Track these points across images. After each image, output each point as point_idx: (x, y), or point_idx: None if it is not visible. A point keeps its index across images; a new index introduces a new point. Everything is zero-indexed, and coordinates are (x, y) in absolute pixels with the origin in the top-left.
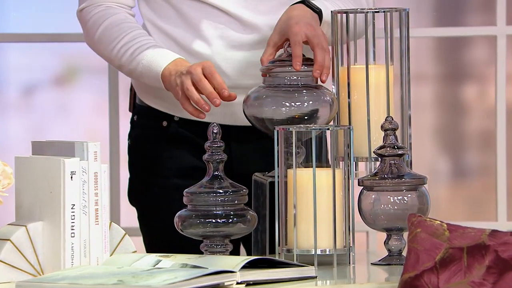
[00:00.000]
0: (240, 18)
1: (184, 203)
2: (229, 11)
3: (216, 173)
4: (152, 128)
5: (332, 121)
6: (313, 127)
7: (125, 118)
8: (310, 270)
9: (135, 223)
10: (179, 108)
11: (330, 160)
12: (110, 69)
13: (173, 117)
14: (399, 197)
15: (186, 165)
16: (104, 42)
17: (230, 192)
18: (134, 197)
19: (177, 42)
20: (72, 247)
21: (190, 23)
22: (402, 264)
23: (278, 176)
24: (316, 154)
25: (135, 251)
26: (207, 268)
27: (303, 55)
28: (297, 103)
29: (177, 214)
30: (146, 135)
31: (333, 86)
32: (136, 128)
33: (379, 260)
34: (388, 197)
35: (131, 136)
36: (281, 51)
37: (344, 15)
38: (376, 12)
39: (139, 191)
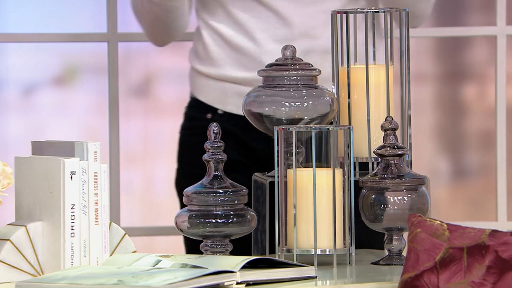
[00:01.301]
0: (285, 16)
1: (184, 203)
2: (277, 10)
3: (216, 173)
4: (198, 119)
5: (332, 120)
6: (313, 127)
7: (125, 118)
8: (310, 270)
9: (135, 223)
10: (223, 102)
11: (330, 160)
12: (110, 68)
13: (217, 110)
14: (399, 197)
15: (228, 159)
16: None
17: (230, 192)
18: (180, 188)
19: (226, 41)
20: (72, 247)
21: (238, 22)
22: (402, 264)
23: (278, 176)
24: (316, 154)
25: (135, 251)
26: (207, 268)
27: (301, 60)
28: (297, 103)
29: (176, 214)
30: (193, 126)
31: (333, 86)
32: (186, 119)
33: (379, 260)
34: (388, 197)
35: (181, 127)
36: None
37: (344, 15)
38: (376, 12)
39: (184, 182)
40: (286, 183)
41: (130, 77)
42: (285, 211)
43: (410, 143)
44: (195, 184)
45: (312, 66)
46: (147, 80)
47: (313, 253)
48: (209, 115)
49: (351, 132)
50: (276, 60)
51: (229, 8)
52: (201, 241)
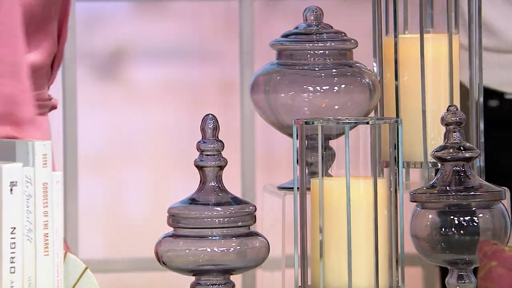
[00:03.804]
0: None
1: (168, 225)
2: None
3: (213, 184)
4: None
5: (373, 112)
6: (347, 121)
7: (86, 109)
8: None
9: (100, 254)
10: None
11: (370, 166)
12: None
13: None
14: (466, 218)
15: None
16: None
17: (232, 210)
18: None
19: None
20: (12, 286)
21: None
22: None
23: (297, 189)
24: (350, 158)
25: None
26: None
27: (330, 26)
28: (323, 88)
29: (157, 240)
30: None
31: (375, 64)
32: None
33: None
34: (451, 217)
35: None
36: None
37: None
38: None
39: None
40: (309, 197)
41: (92, 52)
42: (308, 237)
43: (483, 142)
44: (183, 199)
45: (345, 34)
46: (116, 56)
47: None
48: None
49: (400, 127)
50: (296, 27)
51: None
52: (192, 279)
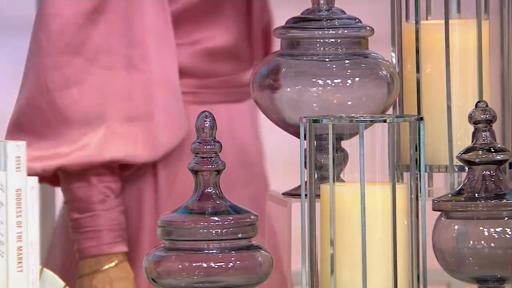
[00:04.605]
0: None
1: (158, 237)
2: None
3: (209, 190)
4: None
5: (391, 108)
6: (361, 119)
7: None
8: None
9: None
10: None
11: (388, 170)
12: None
13: None
14: (498, 229)
15: None
16: None
17: (231, 219)
18: None
19: None
20: None
21: None
22: None
23: (305, 196)
24: (365, 161)
25: None
26: None
27: (344, 12)
28: (335, 81)
29: (147, 256)
30: None
31: (393, 54)
32: None
33: None
34: (481, 228)
35: None
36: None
37: None
38: None
39: None
40: (318, 205)
41: None
42: (317, 249)
43: None
44: (176, 208)
45: (360, 20)
46: None
47: None
48: None
49: (422, 125)
50: (303, 13)
51: None
52: None
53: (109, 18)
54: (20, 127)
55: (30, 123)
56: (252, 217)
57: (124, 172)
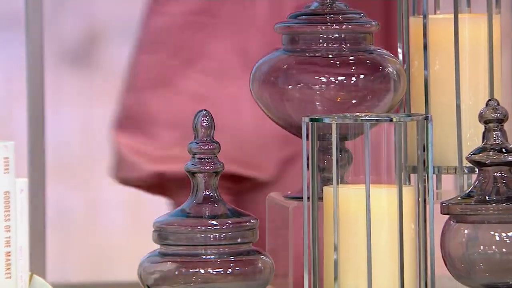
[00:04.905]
0: None
1: (154, 242)
2: None
3: (207, 193)
4: None
5: (398, 107)
6: (366, 118)
7: (53, 105)
8: None
9: (72, 276)
10: None
11: (394, 172)
12: (28, 20)
13: None
14: (510, 234)
15: None
16: None
17: (230, 223)
18: None
19: None
20: None
21: None
22: None
23: (308, 198)
24: (370, 162)
25: None
26: None
27: (346, 6)
28: (339, 78)
29: (141, 261)
30: None
31: (400, 50)
32: None
33: None
34: (492, 232)
35: None
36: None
37: None
38: None
39: None
40: (321, 208)
41: (62, 34)
42: (320, 254)
43: None
44: (172, 211)
45: (365, 15)
46: (90, 39)
47: None
48: None
49: (430, 125)
50: (306, 8)
51: None
52: None
53: None
54: None
55: None
56: (252, 221)
57: None
